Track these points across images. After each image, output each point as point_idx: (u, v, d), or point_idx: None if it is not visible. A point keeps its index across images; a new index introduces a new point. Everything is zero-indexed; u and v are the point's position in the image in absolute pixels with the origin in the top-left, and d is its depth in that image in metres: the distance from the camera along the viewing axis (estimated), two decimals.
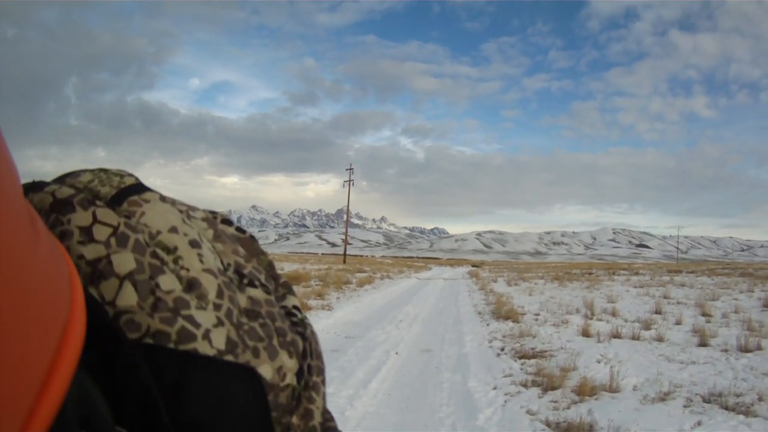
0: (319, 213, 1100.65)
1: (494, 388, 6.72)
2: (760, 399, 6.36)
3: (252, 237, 0.45)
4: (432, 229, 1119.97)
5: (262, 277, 0.41)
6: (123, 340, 0.30)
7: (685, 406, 6.12)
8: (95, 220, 0.33)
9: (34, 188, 0.35)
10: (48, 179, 0.39)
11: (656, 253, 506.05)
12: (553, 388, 6.64)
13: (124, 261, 0.33)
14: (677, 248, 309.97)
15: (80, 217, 0.33)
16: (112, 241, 0.33)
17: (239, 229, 0.44)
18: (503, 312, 13.55)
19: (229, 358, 0.34)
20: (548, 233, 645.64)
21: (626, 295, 20.18)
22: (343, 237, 63.11)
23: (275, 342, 0.37)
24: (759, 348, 9.30)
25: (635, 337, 10.44)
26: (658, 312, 14.66)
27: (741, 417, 5.74)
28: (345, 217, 67.10)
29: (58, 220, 0.33)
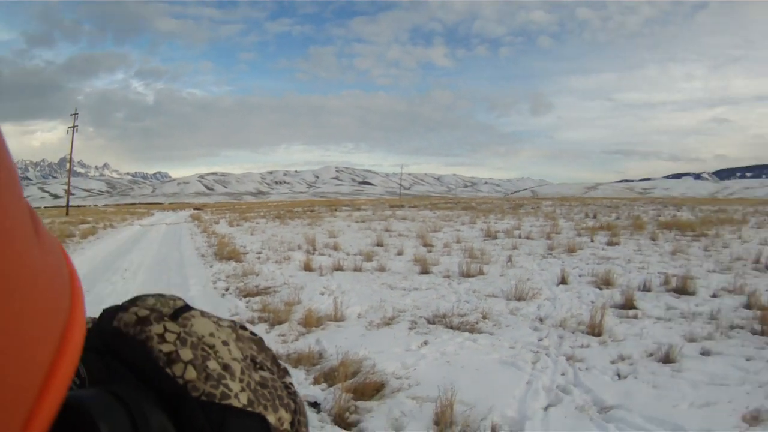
0: (42, 163, 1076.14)
1: None
2: (484, 317, 7.33)
3: (261, 338, 0.64)
4: (155, 174, 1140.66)
5: (269, 364, 0.61)
6: (189, 397, 0.49)
7: (410, 329, 6.83)
8: (165, 330, 0.53)
9: (122, 309, 0.54)
10: None
11: (379, 190, 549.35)
12: (280, 323, 7.14)
13: (186, 353, 0.52)
14: (400, 184, 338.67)
15: (156, 328, 0.52)
16: (177, 342, 0.52)
17: (252, 333, 0.63)
18: (226, 253, 14.51)
19: (250, 409, 0.53)
20: (271, 173, 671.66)
21: (348, 230, 21.76)
22: (67, 187, 58.50)
23: (277, 402, 0.56)
24: (481, 273, 10.71)
25: (358, 269, 11.45)
26: (380, 244, 16.09)
27: (467, 334, 6.57)
28: (68, 166, 62.81)
29: (143, 329, 0.52)
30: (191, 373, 0.51)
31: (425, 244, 15.96)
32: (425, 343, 6.25)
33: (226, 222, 30.64)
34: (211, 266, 12.70)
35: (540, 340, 6.38)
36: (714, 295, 8.56)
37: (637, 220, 24.23)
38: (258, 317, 7.45)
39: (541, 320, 7.23)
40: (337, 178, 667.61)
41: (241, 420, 0.53)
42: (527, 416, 4.35)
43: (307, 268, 11.61)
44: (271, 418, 0.57)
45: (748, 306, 7.70)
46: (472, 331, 6.71)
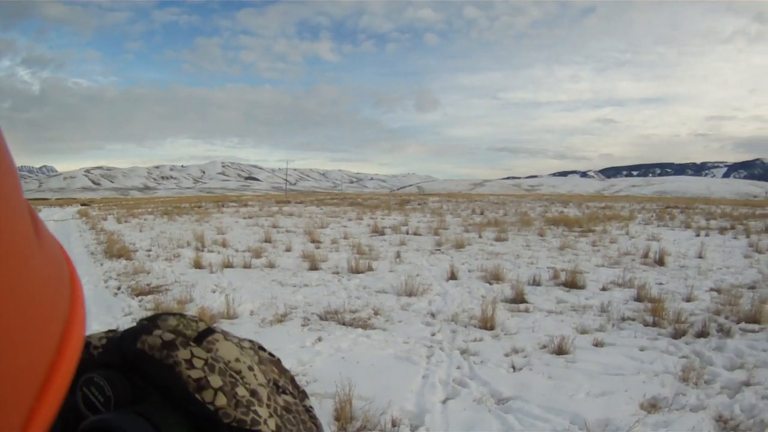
0: None
1: (117, 329, 6.70)
2: (376, 313, 7.39)
3: (278, 359, 0.68)
4: (41, 168, 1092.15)
5: (290, 387, 0.64)
6: (221, 423, 0.53)
7: (303, 325, 6.85)
8: (193, 356, 0.56)
9: (145, 331, 0.57)
10: None
11: (265, 185, 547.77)
12: None
13: (215, 380, 0.55)
14: (286, 180, 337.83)
15: (183, 353, 0.55)
16: (206, 368, 0.55)
17: (270, 354, 0.68)
18: (116, 250, 14.32)
19: None
20: (157, 168, 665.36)
21: (236, 226, 21.57)
22: None
23: (301, 427, 0.60)
24: (370, 269, 10.80)
25: (247, 266, 11.40)
26: (268, 241, 16.02)
27: (360, 330, 6.62)
28: None
29: (170, 354, 0.55)
30: (221, 400, 0.55)
31: (313, 240, 16.02)
32: (319, 339, 6.29)
33: (114, 218, 29.79)
34: (101, 264, 12.49)
35: (433, 334, 6.50)
36: (604, 289, 9.01)
37: (524, 216, 25.10)
38: None
39: (433, 315, 7.38)
40: (223, 173, 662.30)
41: None
42: (426, 409, 4.42)
43: (197, 265, 11.54)
44: None
45: (638, 299, 8.13)
46: (365, 327, 6.78)
